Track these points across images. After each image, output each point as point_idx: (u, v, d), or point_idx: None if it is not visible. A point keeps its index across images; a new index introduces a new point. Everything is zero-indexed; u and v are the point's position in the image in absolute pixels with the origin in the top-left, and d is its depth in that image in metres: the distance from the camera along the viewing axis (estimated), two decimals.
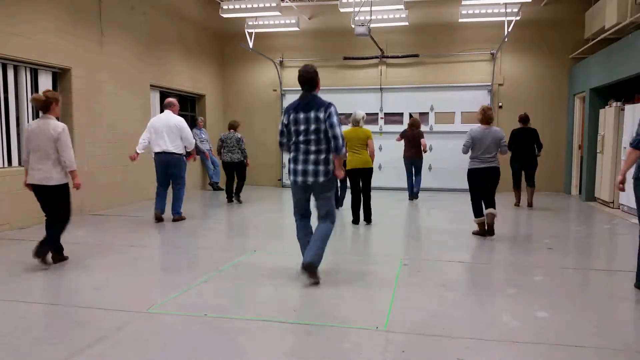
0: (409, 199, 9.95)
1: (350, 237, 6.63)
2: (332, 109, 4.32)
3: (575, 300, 4.10)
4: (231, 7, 10.30)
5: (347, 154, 7.31)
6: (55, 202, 4.95)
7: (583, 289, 4.56)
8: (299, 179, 4.37)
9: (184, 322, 3.53)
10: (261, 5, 10.00)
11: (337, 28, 12.02)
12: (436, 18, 11.69)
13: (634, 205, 7.97)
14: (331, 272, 4.92)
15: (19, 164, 7.10)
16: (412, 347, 3.12)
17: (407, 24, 10.96)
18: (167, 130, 7.18)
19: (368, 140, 7.07)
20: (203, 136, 11.57)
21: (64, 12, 7.72)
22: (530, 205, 8.86)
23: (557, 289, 4.38)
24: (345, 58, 12.20)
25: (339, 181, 8.59)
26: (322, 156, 4.33)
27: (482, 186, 6.28)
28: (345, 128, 7.31)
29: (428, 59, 11.91)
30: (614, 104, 8.94)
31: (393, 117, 12.29)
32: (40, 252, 4.77)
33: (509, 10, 9.99)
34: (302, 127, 4.34)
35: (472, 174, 6.30)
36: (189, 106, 12.16)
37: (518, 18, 10.13)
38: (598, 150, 9.56)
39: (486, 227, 6.34)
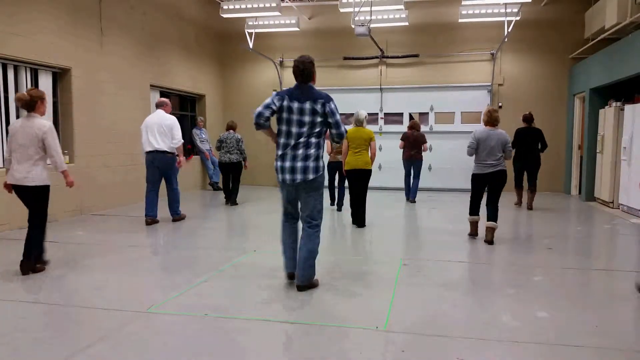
0: (407, 200, 9.84)
1: (350, 237, 6.62)
2: (332, 104, 4.06)
3: (575, 300, 4.10)
4: (231, 7, 10.30)
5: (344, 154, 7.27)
6: (32, 204, 4.72)
7: (583, 289, 4.56)
8: (287, 177, 4.06)
9: (184, 322, 3.53)
10: (261, 5, 10.00)
11: (337, 28, 12.02)
12: (436, 18, 11.69)
13: (633, 205, 8.03)
14: (331, 272, 4.92)
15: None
16: (412, 347, 3.12)
17: (407, 24, 10.96)
18: (159, 128, 7.04)
19: (371, 141, 6.96)
20: (203, 136, 11.57)
21: (64, 12, 7.72)
22: (530, 208, 8.80)
23: (557, 289, 4.38)
24: (345, 58, 12.20)
25: (337, 182, 8.62)
26: (312, 151, 4.04)
27: (488, 190, 6.06)
28: (347, 127, 7.35)
29: (428, 59, 11.91)
30: (614, 104, 8.94)
31: (393, 117, 12.29)
32: (26, 266, 4.65)
33: (509, 10, 9.98)
34: (295, 118, 4.02)
35: (477, 179, 6.10)
36: (189, 106, 12.17)
37: (518, 18, 10.13)
38: (598, 150, 9.56)
39: (484, 240, 6.02)
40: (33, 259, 4.71)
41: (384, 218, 8.06)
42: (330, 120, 4.06)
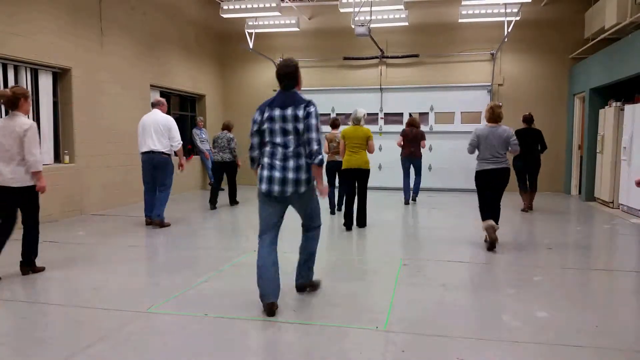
0: (405, 203, 9.55)
1: (350, 237, 6.62)
2: (313, 109, 3.63)
3: (575, 300, 4.10)
4: (231, 7, 10.30)
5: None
6: (22, 206, 4.60)
7: (583, 289, 4.56)
8: (276, 188, 3.62)
9: (184, 322, 3.53)
10: (261, 5, 10.01)
11: (337, 28, 12.02)
12: (436, 18, 11.69)
13: (633, 205, 8.03)
14: (331, 272, 4.92)
15: None
16: (412, 347, 3.12)
17: (407, 24, 10.96)
18: (155, 128, 6.88)
19: (368, 140, 6.80)
20: (203, 136, 11.57)
21: (64, 12, 7.72)
22: (530, 208, 8.77)
23: (557, 289, 4.38)
24: (345, 58, 12.20)
25: (337, 183, 8.47)
26: (302, 161, 3.65)
27: (490, 188, 5.79)
28: (345, 127, 7.30)
29: (428, 59, 11.91)
30: (614, 104, 8.94)
31: (393, 117, 12.29)
32: (26, 268, 4.66)
33: (508, 10, 9.99)
34: (277, 126, 3.65)
35: (480, 176, 5.82)
36: (189, 106, 12.17)
37: (518, 18, 10.13)
38: (598, 150, 9.56)
39: (485, 241, 5.81)
40: (31, 260, 4.68)
41: (384, 218, 8.05)
42: (304, 122, 3.60)
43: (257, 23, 11.40)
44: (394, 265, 5.05)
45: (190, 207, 9.27)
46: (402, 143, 9.47)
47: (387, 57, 11.99)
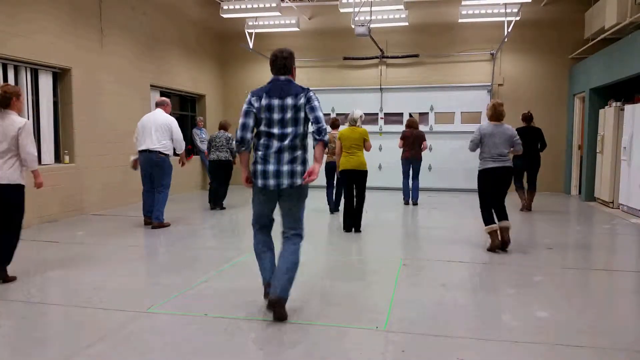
0: (404, 203, 9.54)
1: (349, 237, 6.61)
2: (312, 93, 3.61)
3: (575, 300, 4.10)
4: (231, 7, 10.31)
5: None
6: (5, 207, 4.41)
7: (583, 289, 4.56)
8: (271, 182, 3.55)
9: (184, 322, 3.53)
10: (261, 5, 10.01)
11: (337, 28, 12.02)
12: (436, 18, 11.70)
13: (633, 205, 8.03)
14: (331, 272, 4.92)
15: None
16: (412, 347, 3.12)
17: (407, 24, 10.96)
18: (156, 128, 6.79)
19: (365, 141, 6.71)
20: (203, 136, 11.57)
21: (64, 12, 7.72)
22: (529, 208, 8.75)
23: (557, 289, 4.38)
24: (345, 58, 12.21)
25: (335, 184, 8.44)
26: (298, 153, 3.57)
27: (494, 189, 5.68)
28: (342, 128, 7.28)
29: (428, 59, 11.91)
30: (614, 104, 8.94)
31: (393, 117, 12.29)
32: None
33: (508, 10, 9.99)
34: (276, 117, 3.56)
35: (484, 175, 5.68)
36: (189, 106, 12.17)
37: (518, 18, 10.13)
38: (598, 150, 9.56)
39: (500, 240, 5.63)
40: (3, 267, 4.44)
41: (384, 218, 8.06)
42: (310, 115, 3.55)
43: (257, 23, 11.40)
44: (394, 265, 5.05)
45: (190, 207, 9.27)
46: (402, 145, 9.39)
47: (387, 57, 12.00)
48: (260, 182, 3.59)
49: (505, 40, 10.51)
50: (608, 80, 8.93)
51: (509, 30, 10.07)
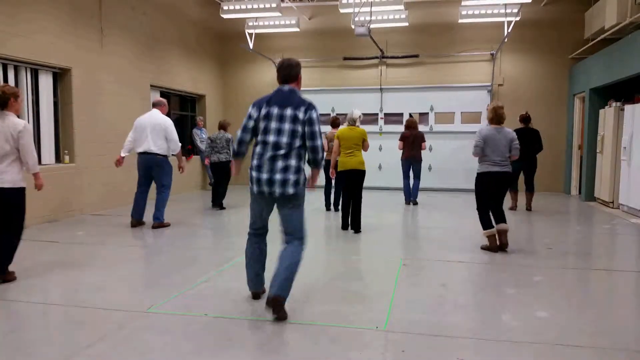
0: (406, 203, 9.56)
1: (349, 237, 6.62)
2: (314, 113, 3.60)
3: (575, 301, 4.11)
4: (231, 7, 10.31)
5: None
6: (7, 208, 4.39)
7: (583, 289, 4.57)
8: (264, 189, 3.60)
9: (184, 322, 3.53)
10: (261, 5, 10.01)
11: (337, 28, 12.03)
12: (436, 18, 11.70)
13: (634, 205, 8.03)
14: (331, 272, 4.92)
15: None
16: (412, 347, 3.12)
17: (407, 24, 10.96)
18: (152, 129, 6.75)
19: (363, 141, 6.72)
20: (203, 136, 11.56)
21: (64, 12, 7.72)
22: (529, 209, 8.72)
23: (557, 289, 4.38)
24: (345, 58, 12.21)
25: (333, 184, 8.45)
26: (292, 162, 3.57)
27: (493, 193, 5.66)
28: (341, 127, 7.27)
29: (428, 59, 11.92)
30: (614, 104, 8.94)
31: (393, 117, 12.29)
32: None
33: (509, 10, 9.99)
34: (273, 126, 3.58)
35: (485, 179, 5.63)
36: (189, 106, 12.17)
37: (518, 18, 10.13)
38: (598, 150, 9.56)
39: (498, 244, 5.65)
40: (5, 267, 4.44)
41: (384, 218, 8.05)
42: (306, 128, 3.58)
43: (257, 23, 11.40)
44: (394, 265, 5.05)
45: (190, 207, 9.27)
46: (402, 146, 9.39)
47: (387, 57, 12.00)
48: (255, 188, 3.67)
49: (505, 40, 10.51)
50: (608, 80, 8.93)
51: (509, 30, 10.08)
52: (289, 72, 3.72)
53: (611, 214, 8.33)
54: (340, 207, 8.23)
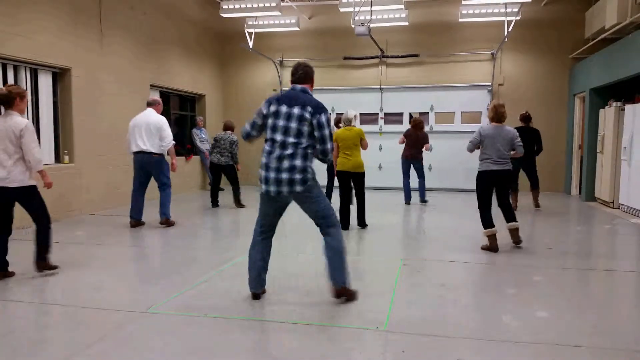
0: (405, 203, 9.54)
1: (350, 237, 6.61)
2: (324, 117, 3.66)
3: (575, 300, 4.10)
4: (231, 7, 10.30)
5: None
6: (25, 206, 4.54)
7: (583, 289, 4.57)
8: (272, 188, 3.67)
9: (184, 322, 3.53)
10: (261, 5, 10.01)
11: (337, 28, 12.02)
12: (436, 18, 11.69)
13: (634, 205, 8.03)
14: None
15: None
16: (412, 347, 3.12)
17: (407, 23, 10.96)
18: (146, 128, 6.75)
19: (361, 140, 6.74)
20: (203, 136, 11.56)
21: (64, 12, 7.72)
22: (537, 206, 8.67)
23: (557, 289, 4.38)
24: (345, 58, 12.20)
25: (326, 182, 8.39)
26: (298, 162, 3.62)
27: (492, 191, 5.69)
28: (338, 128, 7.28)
29: (428, 59, 11.91)
30: (614, 104, 8.93)
31: (393, 117, 12.28)
32: (40, 264, 4.60)
33: (509, 10, 9.98)
34: (280, 123, 3.65)
35: (484, 177, 5.66)
36: (188, 106, 12.17)
37: (518, 18, 10.13)
38: (598, 150, 9.56)
39: (514, 241, 5.77)
40: (44, 257, 4.64)
41: (384, 218, 8.05)
42: (316, 133, 3.65)
43: (257, 23, 11.39)
44: (394, 265, 5.05)
45: (190, 207, 9.27)
46: (403, 141, 9.41)
47: (387, 57, 11.99)
48: (263, 187, 3.75)
49: (506, 40, 10.51)
50: (608, 80, 8.92)
51: (509, 30, 10.07)
52: (301, 73, 3.81)
53: (611, 214, 8.33)
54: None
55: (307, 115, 3.63)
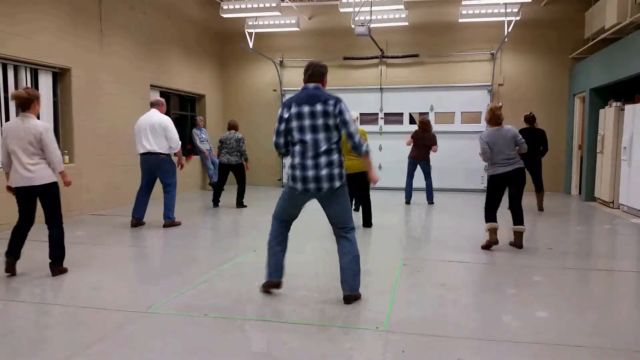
0: (406, 203, 9.57)
1: None
2: (343, 105, 3.74)
3: (575, 300, 4.10)
4: (231, 7, 10.30)
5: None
6: (44, 204, 4.68)
7: (583, 289, 4.57)
8: (311, 186, 3.70)
9: (184, 322, 3.53)
10: (261, 5, 10.01)
11: (337, 28, 12.02)
12: (436, 18, 11.69)
13: (634, 205, 8.03)
14: (331, 272, 4.92)
15: None
16: (412, 347, 3.12)
17: (407, 24, 10.96)
18: (151, 129, 6.77)
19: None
20: (203, 136, 11.56)
21: (64, 12, 7.72)
22: (541, 209, 8.61)
23: (557, 289, 4.38)
24: (345, 58, 12.20)
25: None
26: (335, 157, 3.72)
27: (502, 192, 5.73)
28: None
29: (428, 59, 11.91)
30: (614, 104, 8.93)
31: (393, 117, 12.28)
32: (56, 269, 4.69)
33: (509, 10, 9.99)
34: (307, 123, 3.70)
35: (496, 180, 5.71)
36: (189, 106, 12.17)
37: (518, 18, 10.13)
38: (598, 150, 9.56)
39: (514, 244, 5.81)
40: (60, 260, 4.72)
41: (384, 218, 8.04)
42: (338, 119, 3.71)
43: (257, 23, 11.39)
44: (394, 265, 5.05)
45: (190, 207, 9.26)
46: (410, 143, 9.41)
47: (387, 57, 11.99)
48: (300, 185, 3.75)
49: (506, 40, 10.51)
50: (608, 80, 8.93)
51: (509, 30, 10.07)
52: (314, 71, 3.83)
53: (611, 214, 8.33)
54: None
55: (330, 109, 3.69)
